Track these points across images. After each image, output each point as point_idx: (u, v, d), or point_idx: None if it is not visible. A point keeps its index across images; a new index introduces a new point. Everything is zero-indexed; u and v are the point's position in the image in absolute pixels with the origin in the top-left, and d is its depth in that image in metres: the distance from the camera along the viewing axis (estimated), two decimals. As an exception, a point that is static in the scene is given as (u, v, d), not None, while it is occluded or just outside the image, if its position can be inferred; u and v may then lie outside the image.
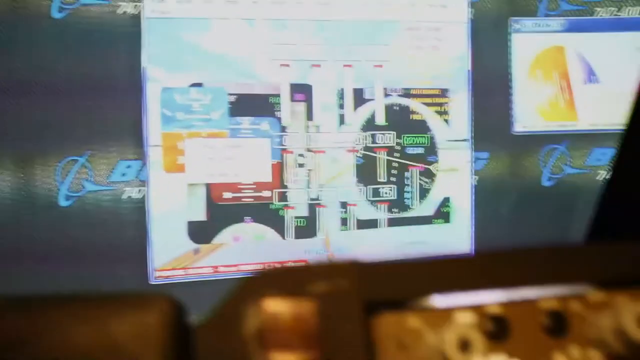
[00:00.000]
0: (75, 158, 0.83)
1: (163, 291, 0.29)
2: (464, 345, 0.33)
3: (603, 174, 1.03)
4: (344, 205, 0.94)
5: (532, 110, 1.00)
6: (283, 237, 0.91)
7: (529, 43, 0.99)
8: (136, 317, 0.29)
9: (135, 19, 0.84)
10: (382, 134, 0.95)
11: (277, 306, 0.30)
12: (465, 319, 0.34)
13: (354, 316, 0.32)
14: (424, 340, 0.33)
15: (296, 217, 0.92)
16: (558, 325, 0.35)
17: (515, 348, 0.35)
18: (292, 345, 0.30)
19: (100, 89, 0.83)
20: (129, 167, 0.85)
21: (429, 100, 0.96)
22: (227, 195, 0.88)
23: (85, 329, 0.28)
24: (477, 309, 0.35)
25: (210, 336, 0.31)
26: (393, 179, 0.95)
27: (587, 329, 0.35)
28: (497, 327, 0.35)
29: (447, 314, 0.33)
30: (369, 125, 0.94)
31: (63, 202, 0.82)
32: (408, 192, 0.96)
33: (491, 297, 0.35)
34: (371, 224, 0.95)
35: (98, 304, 0.30)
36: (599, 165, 1.03)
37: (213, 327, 0.31)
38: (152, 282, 0.86)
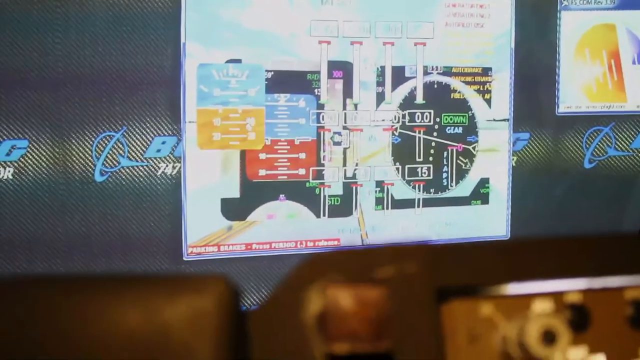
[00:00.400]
0: (112, 133, 0.82)
1: (218, 273, 0.28)
2: (548, 337, 0.30)
3: (648, 157, 1.00)
4: (379, 184, 0.92)
5: (577, 90, 0.97)
6: (317, 215, 0.90)
7: (578, 20, 0.95)
8: (190, 300, 0.27)
9: (175, -7, 0.83)
10: (421, 112, 0.93)
11: (340, 291, 0.29)
12: (544, 307, 0.32)
13: (423, 303, 0.30)
14: (498, 331, 0.31)
15: (330, 196, 0.91)
16: None
17: (597, 340, 0.33)
18: (355, 333, 0.28)
19: (137, 65, 0.82)
20: (164, 143, 0.84)
21: (469, 78, 0.94)
22: (262, 172, 0.88)
23: (136, 313, 0.27)
24: (556, 297, 0.32)
25: (266, 321, 0.29)
26: (430, 158, 0.94)
27: None
28: (576, 317, 0.33)
29: (523, 302, 0.31)
30: (407, 104, 0.92)
31: (98, 178, 0.82)
32: (446, 172, 0.94)
33: (569, 285, 0.33)
34: (407, 203, 0.93)
35: (149, 286, 0.29)
36: (645, 148, 1.00)
37: (269, 312, 0.29)
38: (186, 258, 0.86)
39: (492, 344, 0.31)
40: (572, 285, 0.33)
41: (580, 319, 0.33)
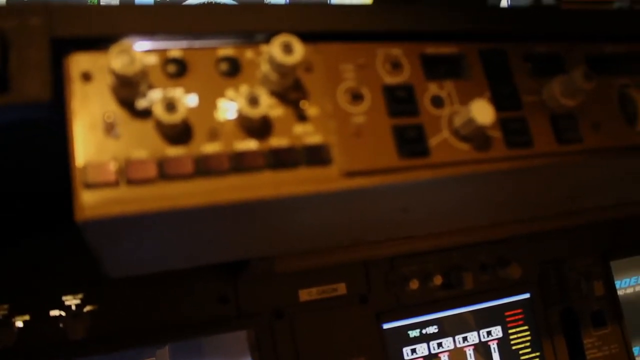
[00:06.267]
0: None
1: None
2: (144, 75, 0.41)
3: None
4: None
5: None
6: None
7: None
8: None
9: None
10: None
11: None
12: (149, 61, 0.43)
13: (42, 50, 0.37)
14: (109, 70, 0.39)
15: None
16: (232, 68, 0.46)
17: (192, 84, 0.45)
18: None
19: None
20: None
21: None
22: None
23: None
24: (159, 52, 0.43)
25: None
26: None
27: (257, 71, 0.47)
28: (176, 69, 0.44)
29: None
30: None
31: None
32: None
33: (174, 44, 0.44)
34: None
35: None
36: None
37: None
38: None
39: (106, 81, 0.41)
40: (177, 45, 0.44)
41: (179, 69, 0.44)
